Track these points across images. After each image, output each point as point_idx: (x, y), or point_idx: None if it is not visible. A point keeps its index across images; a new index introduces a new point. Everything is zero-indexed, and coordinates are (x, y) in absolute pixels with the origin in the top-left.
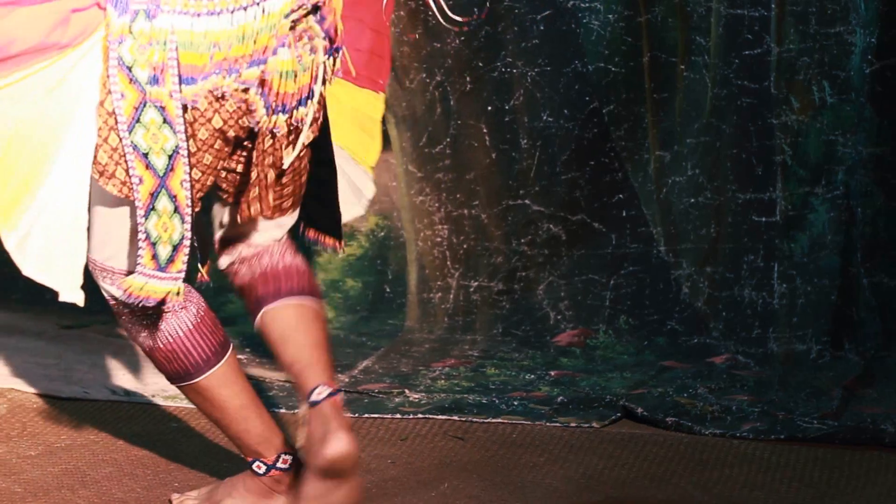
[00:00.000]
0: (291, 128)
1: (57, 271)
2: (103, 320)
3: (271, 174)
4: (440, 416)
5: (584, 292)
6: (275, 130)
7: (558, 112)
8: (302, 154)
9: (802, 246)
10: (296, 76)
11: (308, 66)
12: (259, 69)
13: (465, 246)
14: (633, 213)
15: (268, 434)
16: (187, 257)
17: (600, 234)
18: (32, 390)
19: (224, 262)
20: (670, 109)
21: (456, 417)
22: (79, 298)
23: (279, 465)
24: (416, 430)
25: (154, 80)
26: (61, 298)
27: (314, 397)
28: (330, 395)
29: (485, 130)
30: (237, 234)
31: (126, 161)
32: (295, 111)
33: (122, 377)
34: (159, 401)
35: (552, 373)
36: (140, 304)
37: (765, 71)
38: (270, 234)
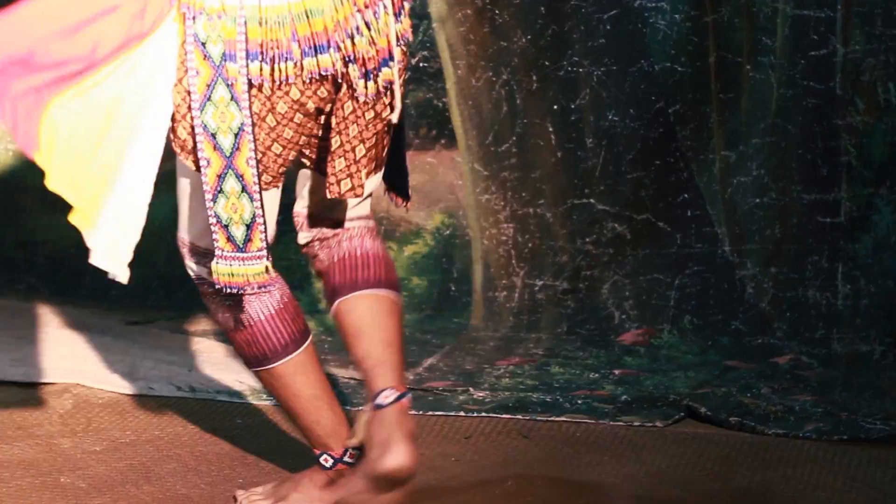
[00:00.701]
0: (380, 91)
1: (116, 252)
2: (169, 316)
3: (360, 148)
4: (504, 415)
5: (648, 292)
6: (359, 97)
7: (624, 111)
8: (384, 117)
9: (866, 247)
10: (373, 40)
11: (382, 29)
12: (345, 44)
13: (530, 244)
14: (697, 213)
15: (338, 427)
16: (264, 234)
17: (665, 233)
18: (98, 386)
19: (303, 238)
20: (736, 110)
21: (520, 416)
22: (124, 277)
23: (346, 458)
24: (481, 429)
25: (229, 57)
26: (109, 276)
27: (380, 400)
28: (397, 399)
29: (551, 129)
30: (320, 207)
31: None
32: (379, 73)
33: (187, 373)
34: (224, 397)
35: (616, 372)
36: (233, 291)
37: (830, 72)
38: (355, 210)
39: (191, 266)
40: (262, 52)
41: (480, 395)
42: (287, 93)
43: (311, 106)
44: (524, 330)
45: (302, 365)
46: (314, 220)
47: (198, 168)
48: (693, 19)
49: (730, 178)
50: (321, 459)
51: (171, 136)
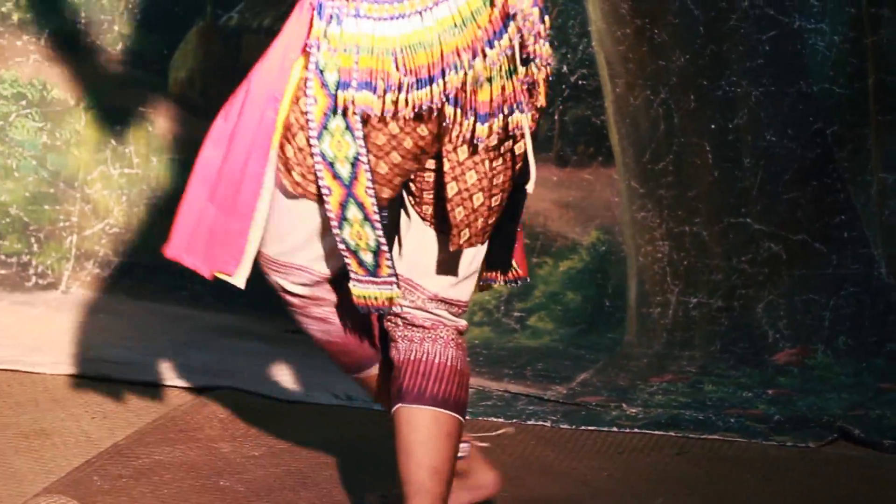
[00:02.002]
0: (501, 138)
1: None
2: None
3: (478, 197)
4: (657, 431)
5: (803, 311)
6: (477, 141)
7: (782, 132)
8: (500, 170)
9: None
10: (490, 82)
11: (508, 72)
12: (445, 79)
13: (685, 262)
14: (854, 234)
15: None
16: (391, 261)
17: (821, 254)
18: (257, 392)
19: (396, 305)
20: (894, 132)
21: (672, 433)
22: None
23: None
24: (633, 444)
25: (342, 85)
26: (230, 279)
27: None
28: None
29: (708, 148)
30: (424, 272)
31: (305, 165)
32: (495, 119)
33: (344, 382)
34: (379, 406)
35: (769, 391)
36: (374, 312)
37: None
38: (456, 291)
39: (275, 279)
40: (370, 82)
41: (633, 411)
42: (386, 125)
43: (408, 143)
44: (678, 347)
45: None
46: (412, 288)
47: (292, 189)
48: (852, 41)
49: (888, 200)
50: None
51: (279, 153)
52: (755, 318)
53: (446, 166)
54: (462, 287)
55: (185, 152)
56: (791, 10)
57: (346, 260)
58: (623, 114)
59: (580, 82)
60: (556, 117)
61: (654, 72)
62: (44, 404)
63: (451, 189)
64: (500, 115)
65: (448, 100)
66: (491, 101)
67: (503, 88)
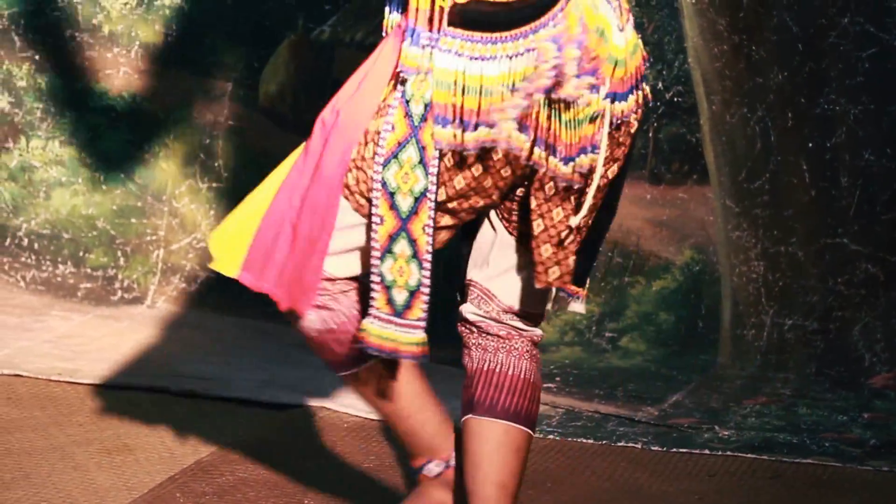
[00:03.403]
0: (577, 179)
1: None
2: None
3: (566, 235)
4: (750, 454)
5: None
6: (558, 181)
7: (881, 151)
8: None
9: None
10: (576, 123)
11: (591, 114)
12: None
13: (780, 283)
14: None
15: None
16: (427, 306)
17: None
18: (343, 410)
19: (470, 313)
20: None
21: (766, 456)
22: None
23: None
24: (725, 467)
25: (423, 118)
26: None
27: None
28: None
29: (805, 167)
30: (505, 287)
31: (370, 190)
32: (576, 159)
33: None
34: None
35: (865, 415)
36: (385, 355)
37: None
38: (534, 305)
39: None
40: (454, 118)
41: (726, 433)
42: (470, 167)
43: (488, 183)
44: (772, 369)
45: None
46: (488, 298)
47: (359, 210)
48: None
49: None
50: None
51: (349, 191)
52: (851, 341)
53: (533, 204)
54: (538, 298)
55: (274, 167)
56: (892, 27)
57: (374, 295)
58: (719, 131)
59: (676, 99)
60: (650, 135)
61: (751, 89)
62: (127, 420)
63: (538, 226)
64: (583, 156)
65: (537, 141)
66: (571, 144)
67: (585, 131)
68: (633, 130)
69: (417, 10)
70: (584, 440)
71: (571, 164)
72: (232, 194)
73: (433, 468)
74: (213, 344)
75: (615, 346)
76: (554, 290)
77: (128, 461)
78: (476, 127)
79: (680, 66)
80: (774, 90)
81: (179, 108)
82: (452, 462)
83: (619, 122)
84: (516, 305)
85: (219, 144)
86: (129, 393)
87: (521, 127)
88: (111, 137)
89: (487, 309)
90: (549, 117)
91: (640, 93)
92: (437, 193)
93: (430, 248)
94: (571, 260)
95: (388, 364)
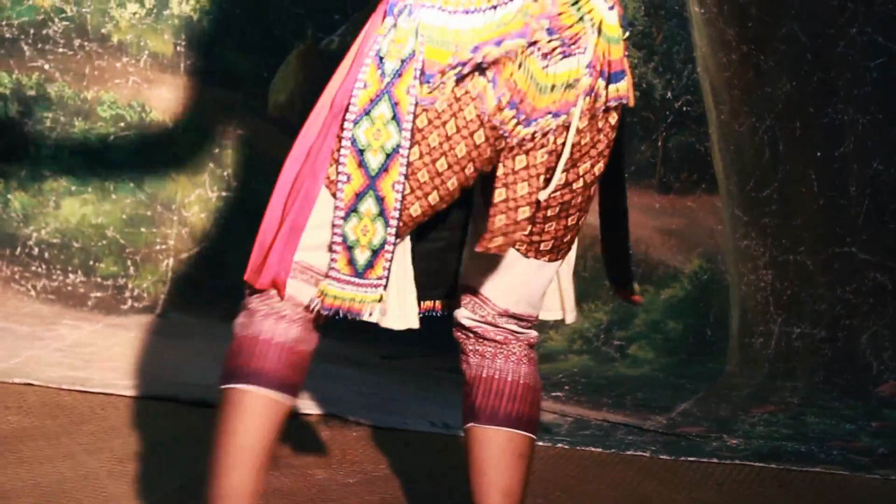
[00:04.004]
0: (546, 151)
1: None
2: (422, 351)
3: (524, 210)
4: (758, 463)
5: None
6: (524, 148)
7: (889, 160)
8: (574, 188)
9: None
10: (552, 88)
11: (567, 81)
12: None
13: (788, 292)
14: None
15: (238, 495)
16: (389, 264)
17: None
18: (353, 418)
19: (465, 318)
20: None
21: (774, 465)
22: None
23: None
24: (733, 476)
25: (397, 74)
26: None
27: None
28: None
29: (813, 176)
30: (488, 288)
31: (339, 156)
32: (539, 121)
33: (441, 409)
34: None
35: (873, 423)
36: (340, 315)
37: None
38: (531, 307)
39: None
40: (433, 74)
41: (734, 441)
42: (444, 123)
43: (460, 151)
44: (780, 378)
45: (268, 409)
46: (480, 300)
47: (331, 190)
48: None
49: None
50: None
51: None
52: (859, 349)
53: (500, 171)
54: (533, 303)
55: None
56: None
57: (335, 255)
58: (727, 141)
59: (684, 108)
60: (659, 144)
61: (760, 98)
62: (138, 428)
63: (499, 195)
64: (549, 117)
65: (511, 104)
66: (537, 108)
67: (556, 96)
68: (614, 122)
69: None
70: (593, 449)
71: (533, 125)
72: (241, 203)
73: None
74: (222, 352)
75: (623, 354)
76: (560, 297)
77: (139, 469)
78: (462, 80)
79: (689, 75)
80: (783, 100)
81: (189, 118)
82: None
83: (611, 103)
84: (512, 308)
85: (228, 153)
86: (140, 401)
87: (493, 83)
88: (120, 147)
89: (483, 313)
90: (522, 78)
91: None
92: (409, 151)
93: (398, 206)
94: (518, 234)
95: (263, 401)
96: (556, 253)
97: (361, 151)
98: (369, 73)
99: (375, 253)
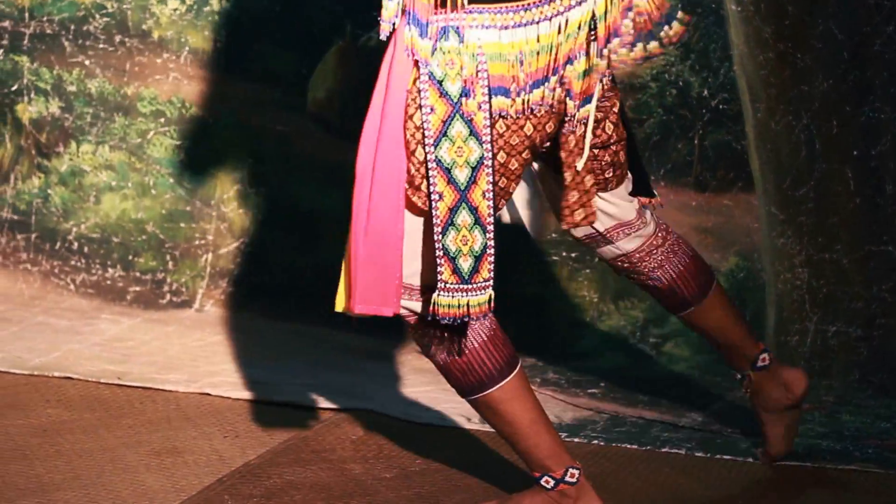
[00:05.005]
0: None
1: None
2: None
3: (589, 179)
4: (793, 462)
5: None
6: (577, 128)
7: None
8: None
9: None
10: (586, 76)
11: (594, 66)
12: (557, 78)
13: (824, 290)
14: None
15: (557, 449)
16: (492, 265)
17: None
18: (390, 413)
19: (632, 244)
20: None
21: (809, 463)
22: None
23: (567, 478)
24: (768, 474)
25: (466, 93)
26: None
27: (760, 363)
28: (770, 358)
29: (850, 175)
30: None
31: (429, 177)
32: (586, 105)
33: None
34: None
35: None
36: (453, 323)
37: None
38: (623, 211)
39: (403, 303)
40: (503, 87)
41: None
42: (522, 127)
43: (538, 140)
44: (815, 376)
45: (516, 389)
46: (620, 229)
47: (422, 205)
48: None
49: None
50: (542, 481)
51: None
52: (895, 348)
53: (563, 155)
54: (625, 207)
55: (322, 172)
56: None
57: (440, 268)
58: (764, 139)
59: (721, 106)
60: (696, 142)
61: (797, 97)
62: (176, 422)
63: (569, 177)
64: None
65: (569, 94)
66: (578, 92)
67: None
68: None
69: (416, 3)
70: (629, 446)
71: (585, 108)
72: (279, 199)
73: (545, 484)
74: (260, 348)
75: (660, 352)
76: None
77: (177, 463)
78: (531, 89)
79: (725, 73)
80: (819, 98)
81: (228, 114)
82: (568, 480)
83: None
84: (623, 217)
85: (267, 150)
86: (178, 396)
87: (551, 83)
88: (160, 142)
89: (627, 231)
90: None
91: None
92: (493, 159)
93: (491, 212)
94: (594, 202)
95: (507, 393)
96: (624, 176)
97: (448, 170)
98: (431, 97)
99: (478, 258)
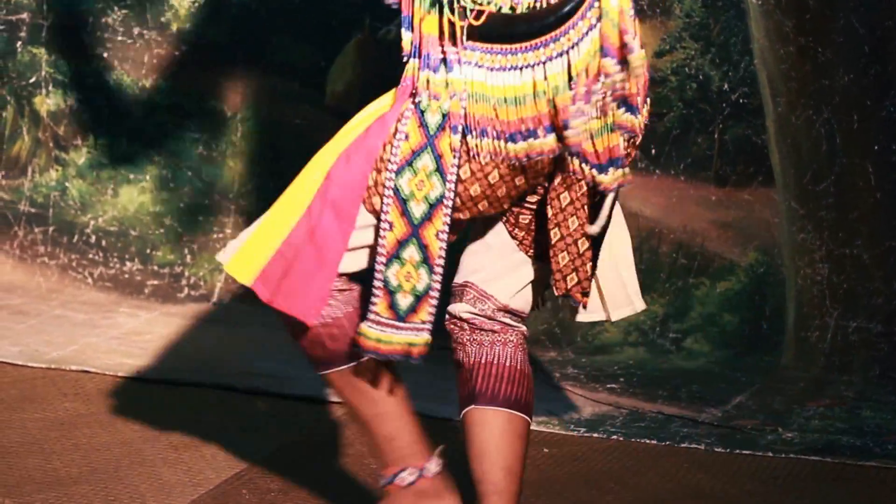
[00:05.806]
0: (583, 183)
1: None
2: None
3: (583, 243)
4: (813, 457)
5: None
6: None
7: None
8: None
9: None
10: (592, 136)
11: (609, 127)
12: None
13: (844, 285)
14: None
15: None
16: (434, 308)
17: None
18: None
19: (464, 310)
20: None
21: (829, 458)
22: None
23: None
24: (788, 469)
25: (441, 127)
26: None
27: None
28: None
29: (870, 170)
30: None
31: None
32: (610, 169)
33: None
34: (533, 426)
35: None
36: (383, 358)
37: None
38: (519, 301)
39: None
40: (477, 128)
41: (789, 435)
42: (487, 175)
43: (501, 192)
44: (835, 371)
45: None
46: (485, 298)
47: (372, 211)
48: None
49: None
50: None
51: (367, 193)
52: None
53: (549, 213)
54: (528, 300)
55: None
56: None
57: (374, 300)
58: (784, 133)
59: (741, 101)
60: (716, 136)
61: (817, 91)
62: (193, 416)
63: (555, 235)
64: (614, 168)
65: (570, 151)
66: (598, 151)
67: (612, 140)
68: (637, 142)
69: (423, 34)
70: (648, 441)
71: (610, 170)
72: None
73: (406, 477)
74: (278, 341)
75: (679, 347)
76: (625, 291)
77: (194, 457)
78: (514, 138)
79: (746, 67)
80: (840, 92)
81: (246, 107)
82: (427, 471)
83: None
84: (511, 305)
85: (285, 143)
86: (196, 389)
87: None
88: (179, 135)
89: (483, 307)
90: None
91: (646, 109)
92: (453, 201)
93: (442, 254)
94: (588, 267)
95: (371, 367)
96: (590, 281)
97: (405, 201)
98: (410, 125)
99: (419, 298)
